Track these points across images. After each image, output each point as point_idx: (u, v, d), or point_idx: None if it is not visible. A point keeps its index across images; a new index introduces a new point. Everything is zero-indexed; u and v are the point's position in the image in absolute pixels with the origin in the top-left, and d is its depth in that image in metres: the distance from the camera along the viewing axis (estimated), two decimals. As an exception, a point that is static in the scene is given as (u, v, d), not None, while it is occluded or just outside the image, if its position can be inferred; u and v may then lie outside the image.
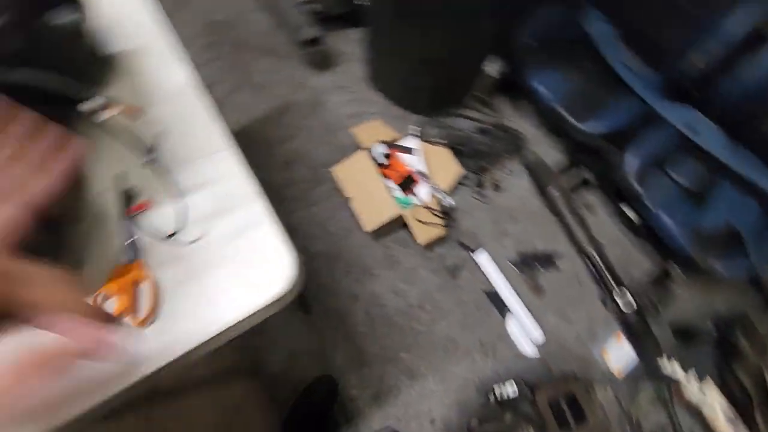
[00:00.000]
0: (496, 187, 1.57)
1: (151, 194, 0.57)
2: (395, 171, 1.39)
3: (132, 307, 0.51)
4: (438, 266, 1.43)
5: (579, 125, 1.38)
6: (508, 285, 1.39)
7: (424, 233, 1.37)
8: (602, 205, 1.59)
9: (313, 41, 1.53)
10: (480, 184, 1.56)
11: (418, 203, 1.38)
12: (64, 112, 0.44)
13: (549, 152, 1.68)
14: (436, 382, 1.28)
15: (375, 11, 1.50)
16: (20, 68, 0.38)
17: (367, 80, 1.72)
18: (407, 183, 1.39)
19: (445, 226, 1.41)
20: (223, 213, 0.57)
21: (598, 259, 1.40)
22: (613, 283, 1.36)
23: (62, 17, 0.46)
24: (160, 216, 0.56)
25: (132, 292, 0.51)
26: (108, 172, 0.57)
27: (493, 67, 1.54)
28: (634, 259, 1.50)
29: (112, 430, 1.23)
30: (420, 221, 1.36)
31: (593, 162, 1.52)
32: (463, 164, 1.53)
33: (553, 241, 1.51)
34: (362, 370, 1.28)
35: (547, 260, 1.47)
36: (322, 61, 1.66)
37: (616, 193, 1.49)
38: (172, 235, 0.54)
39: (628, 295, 1.33)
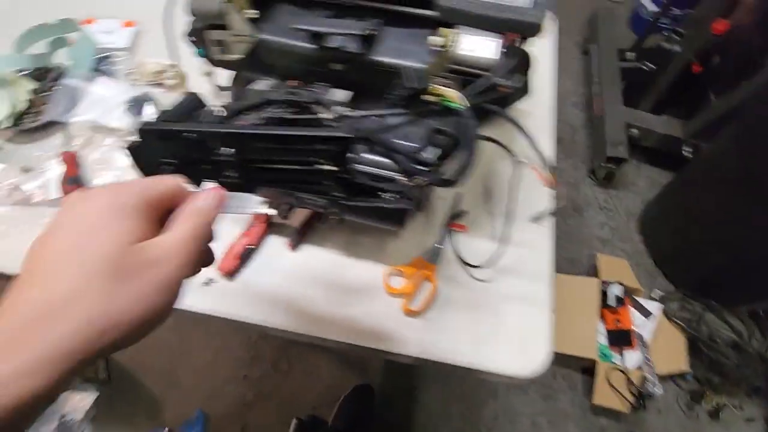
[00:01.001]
0: (715, 415, 1.27)
1: (475, 223, 0.65)
2: (617, 320, 1.27)
3: (410, 296, 0.59)
4: (593, 436, 1.25)
5: None
6: None
7: (603, 396, 1.21)
8: None
9: (615, 159, 1.52)
10: (697, 398, 1.29)
11: (619, 365, 1.23)
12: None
13: (812, 429, 1.28)
14: None
15: (700, 165, 1.40)
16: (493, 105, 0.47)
17: (636, 218, 1.61)
18: (620, 338, 1.25)
19: (632, 407, 1.21)
20: (516, 274, 0.62)
21: None
22: None
23: (517, 81, 0.55)
24: (471, 244, 0.63)
25: (417, 284, 0.60)
26: (450, 192, 0.68)
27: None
28: None
29: (260, 346, 1.42)
30: (609, 383, 1.21)
31: None
32: (692, 364, 1.29)
33: None
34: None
35: None
36: (605, 176, 1.63)
37: None
38: (470, 265, 0.61)
39: None
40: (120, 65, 0.78)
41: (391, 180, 0.39)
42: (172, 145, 0.33)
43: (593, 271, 1.44)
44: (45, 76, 0.74)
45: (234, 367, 1.33)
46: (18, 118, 0.71)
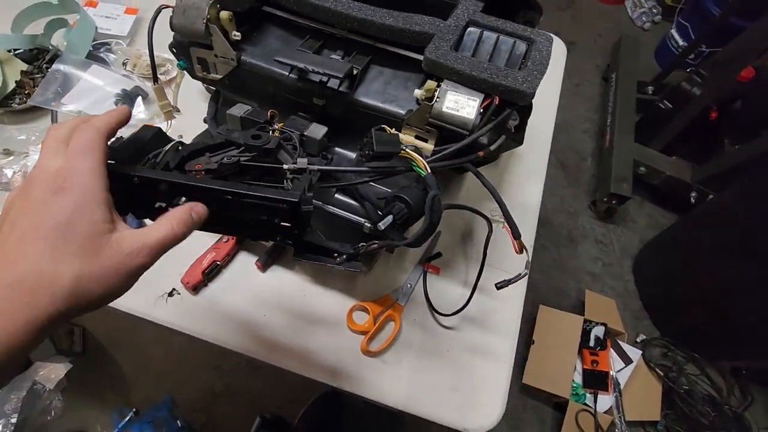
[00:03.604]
0: (680, 468, 1.26)
1: (449, 266, 0.64)
2: (594, 360, 1.25)
3: (371, 333, 0.58)
4: (554, 474, 1.24)
5: None
6: None
7: (570, 435, 1.21)
8: None
9: (618, 197, 1.49)
10: (665, 447, 1.28)
11: (589, 407, 1.22)
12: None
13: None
14: None
15: (703, 216, 1.36)
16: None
17: (631, 257, 1.59)
18: (596, 380, 1.24)
19: (598, 450, 1.20)
20: (483, 325, 0.60)
21: None
22: None
23: (504, 143, 0.52)
24: (442, 286, 0.62)
25: (380, 322, 0.59)
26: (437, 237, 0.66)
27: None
28: None
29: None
30: (577, 423, 1.20)
31: None
32: (665, 414, 1.28)
33: None
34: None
35: None
36: (606, 211, 1.60)
37: None
38: (438, 312, 0.59)
39: None
40: (116, 54, 0.76)
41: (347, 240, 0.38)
42: (117, 183, 0.31)
43: (579, 306, 1.43)
44: (39, 57, 0.73)
45: (207, 356, 1.33)
46: (7, 98, 0.70)
